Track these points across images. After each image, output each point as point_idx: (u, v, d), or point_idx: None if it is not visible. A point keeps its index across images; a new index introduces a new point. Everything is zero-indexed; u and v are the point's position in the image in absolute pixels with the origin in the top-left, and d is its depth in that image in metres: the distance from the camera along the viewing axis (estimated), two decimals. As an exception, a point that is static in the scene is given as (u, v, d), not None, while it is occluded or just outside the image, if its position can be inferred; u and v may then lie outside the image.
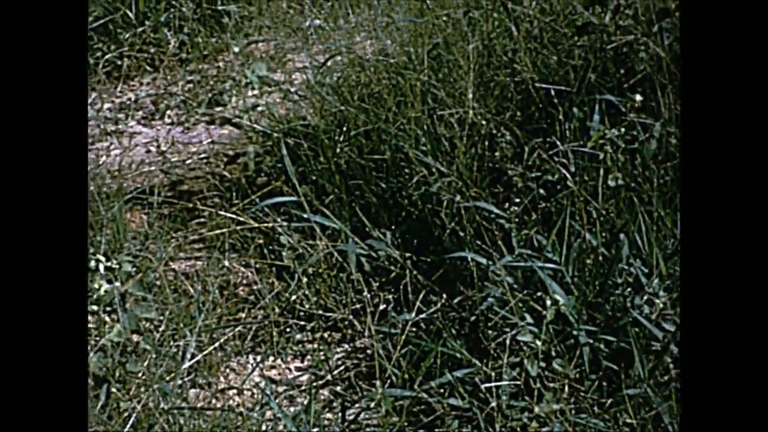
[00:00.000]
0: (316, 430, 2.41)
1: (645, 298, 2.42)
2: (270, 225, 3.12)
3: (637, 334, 2.35)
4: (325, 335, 2.91)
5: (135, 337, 2.58)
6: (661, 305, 2.36)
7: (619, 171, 2.71)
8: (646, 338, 2.37)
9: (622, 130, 2.71)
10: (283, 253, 3.04)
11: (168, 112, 4.43)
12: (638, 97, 2.77)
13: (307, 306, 2.93)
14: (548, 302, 2.28)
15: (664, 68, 2.95)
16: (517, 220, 2.69)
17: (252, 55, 4.72)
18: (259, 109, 4.05)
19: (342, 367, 2.78)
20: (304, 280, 2.94)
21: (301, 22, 4.76)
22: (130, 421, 2.26)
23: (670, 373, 2.35)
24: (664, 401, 2.24)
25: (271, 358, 2.85)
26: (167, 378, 2.47)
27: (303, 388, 2.71)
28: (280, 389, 2.71)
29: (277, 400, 2.60)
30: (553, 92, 2.99)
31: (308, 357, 2.85)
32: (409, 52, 3.39)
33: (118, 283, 2.49)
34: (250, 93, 4.34)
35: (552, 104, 2.97)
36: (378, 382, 2.42)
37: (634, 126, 2.83)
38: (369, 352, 2.81)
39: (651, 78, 2.95)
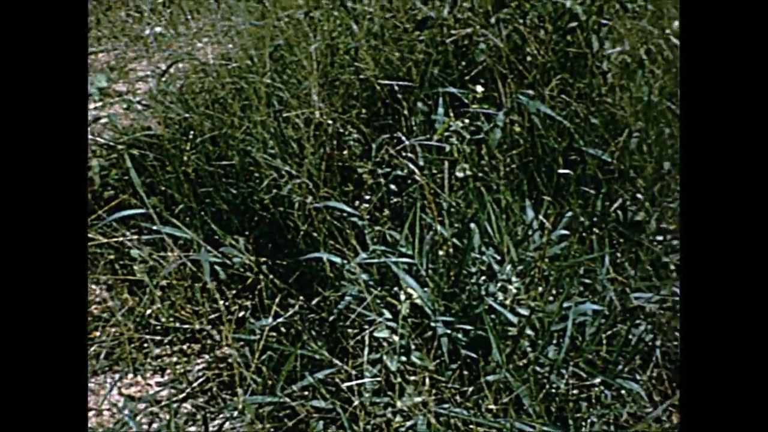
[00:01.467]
0: (178, 445, 2.36)
1: (499, 285, 2.45)
2: (119, 239, 3.04)
3: (493, 321, 2.38)
4: (184, 347, 2.85)
5: (-18, 366, 2.47)
6: (515, 291, 2.40)
7: (465, 162, 2.75)
8: (501, 324, 2.40)
9: (466, 121, 2.75)
10: (135, 267, 2.97)
11: (7, 129, 4.26)
12: (479, 88, 2.81)
13: (163, 319, 2.87)
14: (402, 296, 2.28)
15: (504, 59, 3.00)
16: (369, 217, 2.69)
17: (92, 67, 4.59)
18: (102, 121, 3.95)
19: (203, 379, 2.72)
20: (158, 293, 2.88)
21: (141, 30, 4.66)
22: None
23: (527, 357, 2.39)
24: (523, 384, 2.28)
25: (130, 376, 2.77)
26: (19, 405, 2.38)
27: (164, 403, 2.65)
28: (141, 407, 2.64)
29: (137, 419, 2.53)
30: (396, 88, 3.01)
31: (168, 371, 2.78)
32: (252, 55, 3.35)
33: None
34: (91, 105, 4.22)
35: (396, 100, 2.99)
36: (240, 391, 2.39)
37: (478, 117, 2.87)
38: (230, 361, 2.77)
39: (491, 69, 2.99)
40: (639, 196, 2.92)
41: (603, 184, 2.89)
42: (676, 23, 3.20)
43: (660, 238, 2.87)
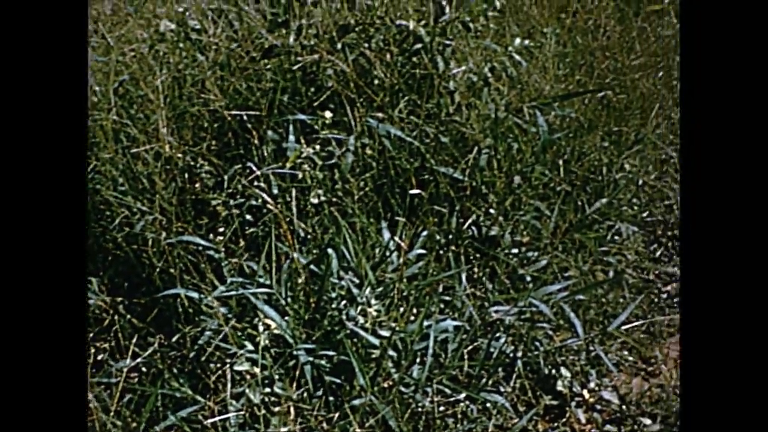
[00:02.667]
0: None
1: (359, 308, 2.46)
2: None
3: (354, 345, 2.39)
4: (41, 396, 2.75)
5: None
6: (375, 313, 2.41)
7: (319, 188, 2.75)
8: (364, 348, 2.41)
9: (318, 147, 2.75)
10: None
11: None
12: (328, 114, 2.82)
13: (17, 369, 2.76)
14: (260, 327, 2.26)
15: (351, 83, 3.02)
16: (225, 249, 2.66)
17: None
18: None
19: (63, 427, 2.63)
20: (10, 342, 2.77)
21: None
22: None
23: (391, 378, 2.40)
24: (388, 406, 2.29)
25: (-16, 431, 2.65)
26: None
27: (22, 456, 2.55)
28: (-3, 462, 2.53)
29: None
30: (246, 117, 2.99)
31: (25, 422, 2.68)
32: (96, 91, 3.27)
33: None
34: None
35: (246, 130, 2.97)
36: (101, 437, 2.32)
37: (329, 142, 2.88)
38: (89, 406, 2.68)
39: (339, 94, 3.01)
40: (492, 211, 2.97)
41: (456, 202, 2.94)
42: (518, 40, 3.28)
43: (515, 251, 2.93)
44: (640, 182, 3.67)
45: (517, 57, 3.24)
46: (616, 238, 3.32)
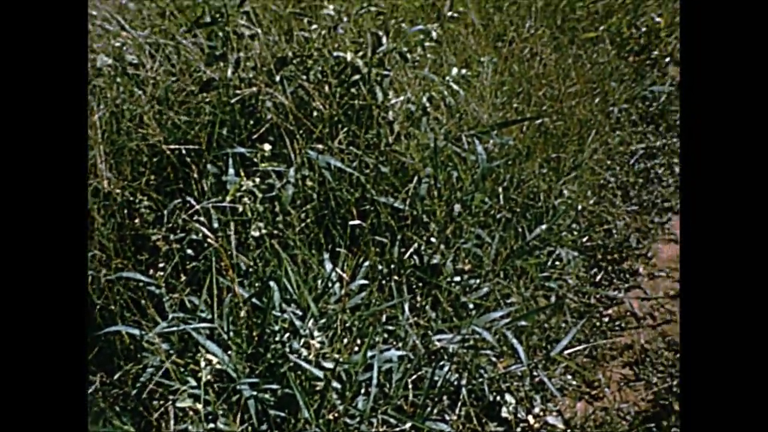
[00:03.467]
0: None
1: (302, 341, 2.45)
2: None
3: (298, 378, 2.38)
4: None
5: None
6: (318, 345, 2.40)
7: (260, 221, 2.74)
8: (308, 380, 2.40)
9: (257, 180, 2.74)
10: None
11: None
12: (267, 146, 2.82)
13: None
14: (203, 363, 2.24)
15: (290, 115, 3.02)
16: (165, 284, 2.63)
17: None
18: None
19: (3, 471, 2.58)
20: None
21: None
22: None
23: (336, 410, 2.39)
24: (333, 438, 2.29)
25: None
26: None
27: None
28: None
29: None
30: (185, 151, 2.97)
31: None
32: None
33: None
34: None
35: (186, 164, 2.95)
36: (41, 479, 2.27)
37: (269, 175, 2.87)
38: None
39: (278, 126, 3.01)
40: (433, 239, 2.99)
41: (397, 231, 2.95)
42: (455, 70, 3.32)
43: (457, 279, 2.95)
44: (579, 207, 3.72)
45: (455, 86, 3.28)
46: (557, 263, 3.35)
